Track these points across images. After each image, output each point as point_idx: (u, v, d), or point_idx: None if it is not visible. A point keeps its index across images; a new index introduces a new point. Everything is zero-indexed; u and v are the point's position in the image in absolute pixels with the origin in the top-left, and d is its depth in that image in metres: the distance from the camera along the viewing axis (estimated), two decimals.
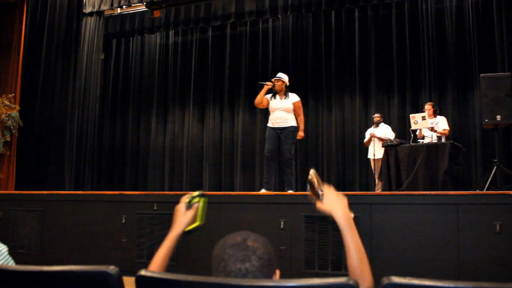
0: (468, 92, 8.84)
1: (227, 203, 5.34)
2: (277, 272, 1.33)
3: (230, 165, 10.47)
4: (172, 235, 1.72)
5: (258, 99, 6.52)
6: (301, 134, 6.37)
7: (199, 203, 1.82)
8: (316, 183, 1.69)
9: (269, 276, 1.28)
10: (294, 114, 6.40)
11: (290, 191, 6.04)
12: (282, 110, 6.34)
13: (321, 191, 1.68)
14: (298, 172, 9.83)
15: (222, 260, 1.27)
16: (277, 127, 6.29)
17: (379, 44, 9.58)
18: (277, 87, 6.41)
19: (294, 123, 6.34)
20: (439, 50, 9.12)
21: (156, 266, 1.64)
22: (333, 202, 1.63)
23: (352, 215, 1.61)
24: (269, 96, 6.53)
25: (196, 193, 1.82)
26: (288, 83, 6.50)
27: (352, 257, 1.48)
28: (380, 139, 8.03)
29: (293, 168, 6.41)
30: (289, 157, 6.29)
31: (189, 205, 1.79)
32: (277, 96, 6.44)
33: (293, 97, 6.42)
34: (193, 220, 1.80)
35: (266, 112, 10.35)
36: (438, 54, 9.11)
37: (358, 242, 1.51)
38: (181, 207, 1.79)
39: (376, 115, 8.42)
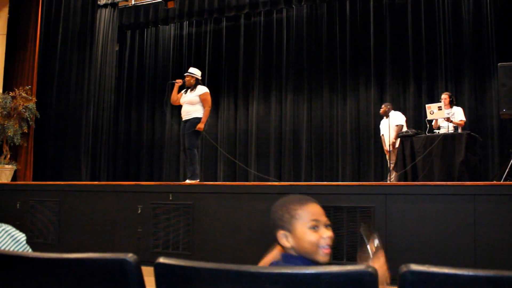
0: (485, 81, 8.71)
1: (241, 193, 5.35)
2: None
3: (244, 155, 10.48)
4: None
5: (172, 97, 6.86)
6: (200, 126, 6.47)
7: None
8: (370, 247, 1.73)
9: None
10: (203, 106, 6.56)
11: (188, 181, 6.24)
12: (187, 103, 6.58)
13: (372, 252, 1.72)
14: (313, 163, 9.85)
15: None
16: (183, 120, 6.59)
17: (394, 33, 9.48)
18: (186, 83, 6.68)
19: (198, 115, 6.49)
20: (455, 38, 8.98)
21: None
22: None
23: None
24: (183, 91, 6.78)
25: None
26: (200, 77, 6.71)
27: None
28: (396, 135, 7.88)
29: (194, 159, 6.43)
30: (189, 147, 6.45)
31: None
32: (188, 91, 6.67)
33: (200, 90, 6.57)
34: None
35: (280, 102, 10.40)
36: (455, 42, 8.98)
37: None
38: None
39: (382, 105, 8.31)
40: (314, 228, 1.57)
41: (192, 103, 6.53)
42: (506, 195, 4.31)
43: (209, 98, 6.60)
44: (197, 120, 6.48)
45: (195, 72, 6.71)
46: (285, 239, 1.61)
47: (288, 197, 1.64)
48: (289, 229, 1.59)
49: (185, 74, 6.76)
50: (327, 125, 9.85)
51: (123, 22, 11.10)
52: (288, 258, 1.60)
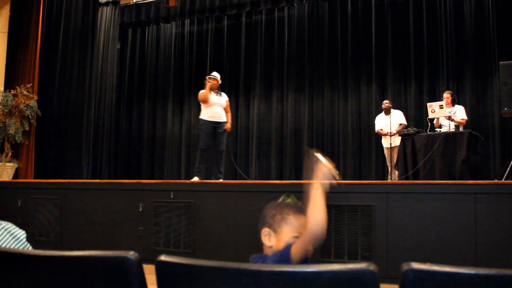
0: (487, 80, 8.70)
1: (242, 191, 5.35)
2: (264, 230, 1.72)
3: (245, 154, 10.48)
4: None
5: (206, 94, 6.79)
6: (228, 126, 6.88)
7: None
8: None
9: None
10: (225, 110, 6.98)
11: (221, 180, 6.63)
12: (219, 106, 6.82)
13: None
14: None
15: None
16: (214, 121, 6.75)
17: (396, 32, 9.47)
18: (213, 85, 6.86)
19: (225, 119, 6.90)
20: (457, 37, 8.98)
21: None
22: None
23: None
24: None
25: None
26: (220, 82, 7.00)
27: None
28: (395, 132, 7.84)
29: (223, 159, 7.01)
30: (224, 149, 6.84)
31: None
32: (212, 93, 6.86)
33: (225, 96, 7.03)
34: None
35: (281, 100, 10.39)
36: (456, 41, 8.97)
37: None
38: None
39: (385, 101, 8.27)
40: (297, 238, 1.68)
41: (223, 107, 6.88)
42: (507, 194, 4.31)
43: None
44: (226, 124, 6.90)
45: (218, 76, 6.97)
46: (268, 237, 1.71)
47: (285, 202, 1.73)
48: (275, 230, 1.70)
49: (211, 76, 6.88)
50: (328, 124, 9.84)
51: (124, 20, 11.10)
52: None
